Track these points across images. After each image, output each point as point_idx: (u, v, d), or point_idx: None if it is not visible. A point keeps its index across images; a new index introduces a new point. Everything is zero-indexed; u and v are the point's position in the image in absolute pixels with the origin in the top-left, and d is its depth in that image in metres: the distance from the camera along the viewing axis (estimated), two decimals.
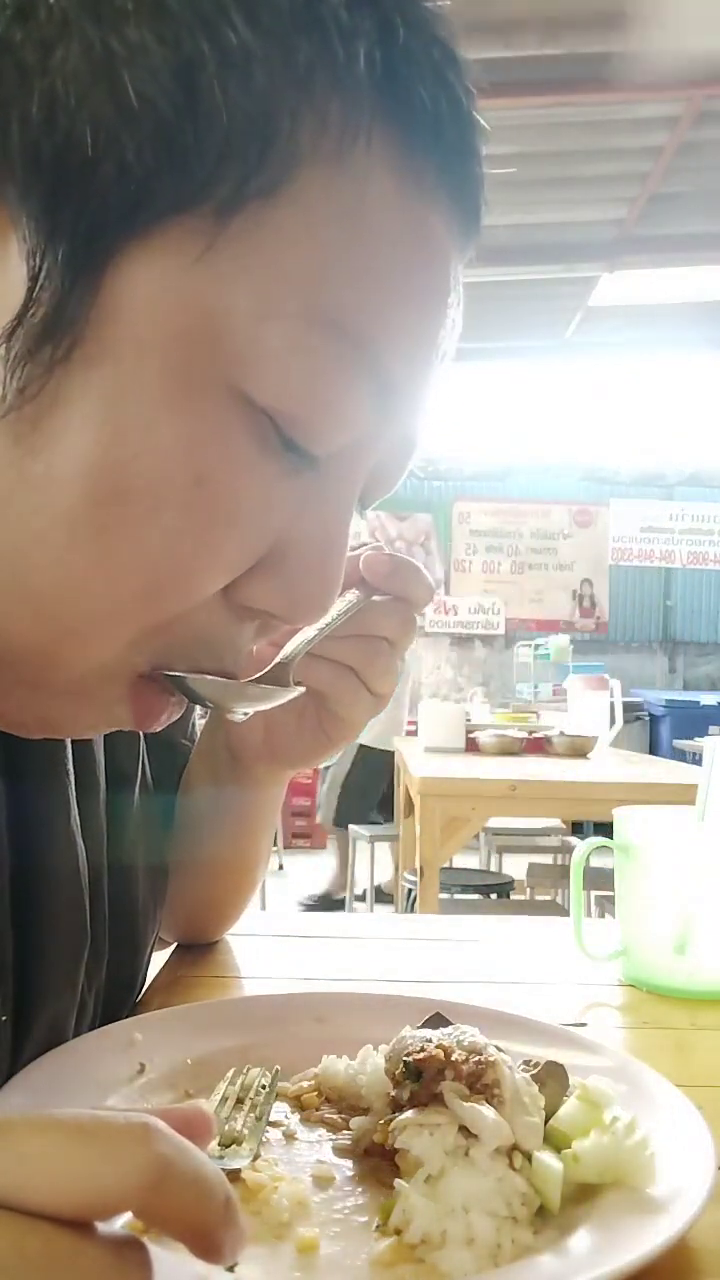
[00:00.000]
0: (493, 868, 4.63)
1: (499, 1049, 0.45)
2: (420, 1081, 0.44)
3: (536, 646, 6.33)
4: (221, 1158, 0.44)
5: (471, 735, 3.65)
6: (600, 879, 1.32)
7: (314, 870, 5.64)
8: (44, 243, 0.33)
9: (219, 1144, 0.45)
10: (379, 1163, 0.45)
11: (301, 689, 0.48)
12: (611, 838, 0.78)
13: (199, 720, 0.79)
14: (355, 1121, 0.47)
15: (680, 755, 5.55)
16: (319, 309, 0.35)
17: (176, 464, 0.35)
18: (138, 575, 0.36)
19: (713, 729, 6.14)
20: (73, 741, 0.56)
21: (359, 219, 0.36)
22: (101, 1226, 0.24)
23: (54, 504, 0.34)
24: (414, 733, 4.31)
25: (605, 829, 0.81)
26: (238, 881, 0.78)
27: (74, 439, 0.34)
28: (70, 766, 0.55)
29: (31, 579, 0.36)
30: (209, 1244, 0.25)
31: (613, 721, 3.86)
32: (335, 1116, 0.49)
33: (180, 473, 0.35)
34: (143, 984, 0.68)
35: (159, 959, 0.76)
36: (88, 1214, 0.23)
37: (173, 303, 0.34)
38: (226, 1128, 0.46)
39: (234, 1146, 0.45)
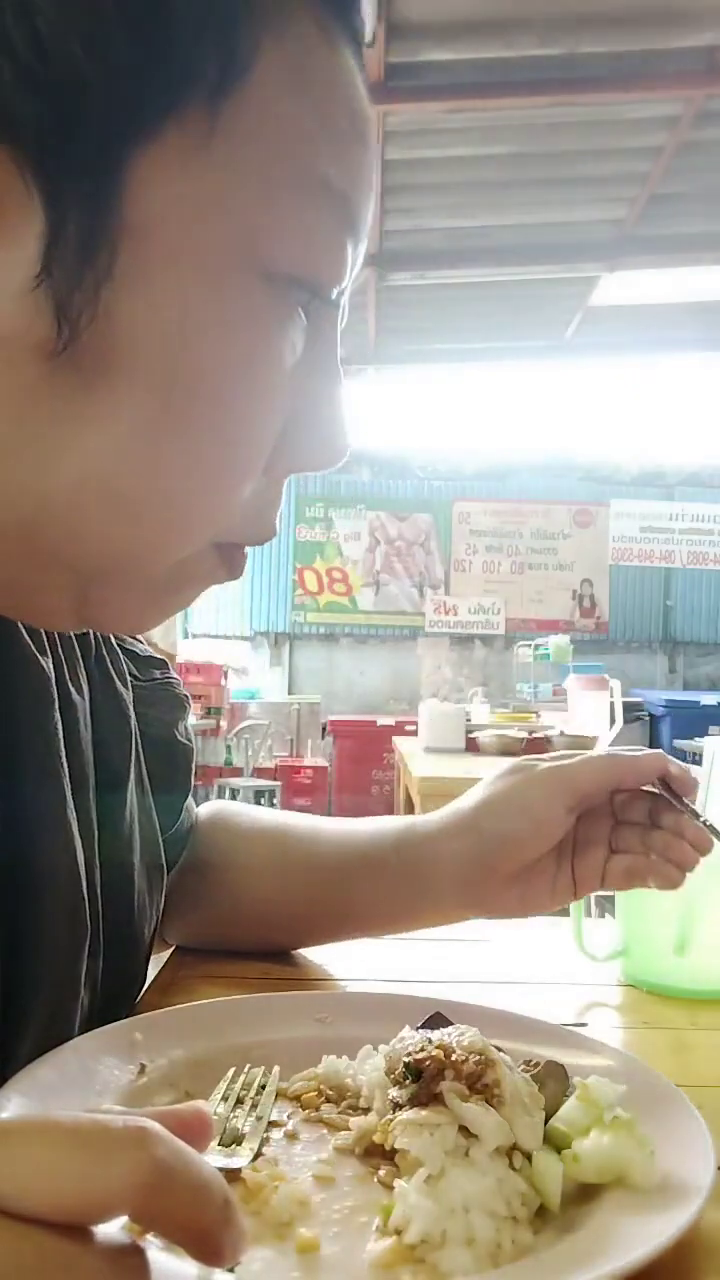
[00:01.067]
0: None
1: (499, 1049, 0.45)
2: (420, 1081, 0.44)
3: (536, 646, 6.33)
4: (222, 1158, 0.44)
5: (471, 735, 3.65)
6: None
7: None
8: (57, 175, 0.34)
9: (219, 1144, 0.45)
10: (379, 1163, 0.45)
11: None
12: None
13: (189, 725, 0.79)
14: (355, 1121, 0.47)
15: (680, 755, 5.52)
16: (310, 172, 0.38)
17: (228, 351, 0.38)
18: (218, 459, 0.39)
19: (713, 729, 6.13)
20: (65, 739, 0.56)
21: (313, 78, 0.38)
22: (99, 1231, 0.24)
23: (130, 418, 0.37)
24: (414, 733, 4.31)
25: None
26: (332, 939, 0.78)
27: (133, 351, 0.36)
28: (65, 763, 0.55)
29: (126, 492, 0.38)
30: (208, 1247, 0.24)
31: (613, 721, 3.86)
32: (335, 1116, 0.49)
33: (233, 358, 0.38)
34: (143, 983, 0.68)
35: (159, 959, 0.76)
36: (84, 1219, 0.23)
37: (189, 200, 0.36)
38: (227, 1128, 0.46)
39: (234, 1146, 0.45)
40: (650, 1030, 0.67)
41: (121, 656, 0.67)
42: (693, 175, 4.74)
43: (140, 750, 0.66)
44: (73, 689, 0.58)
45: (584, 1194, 0.41)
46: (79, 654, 0.60)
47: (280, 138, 0.37)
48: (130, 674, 0.68)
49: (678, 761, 0.65)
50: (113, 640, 0.67)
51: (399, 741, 4.31)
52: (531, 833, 0.64)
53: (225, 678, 7.16)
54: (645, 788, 0.66)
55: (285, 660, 8.76)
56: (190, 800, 0.80)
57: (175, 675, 0.75)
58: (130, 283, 0.35)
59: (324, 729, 7.81)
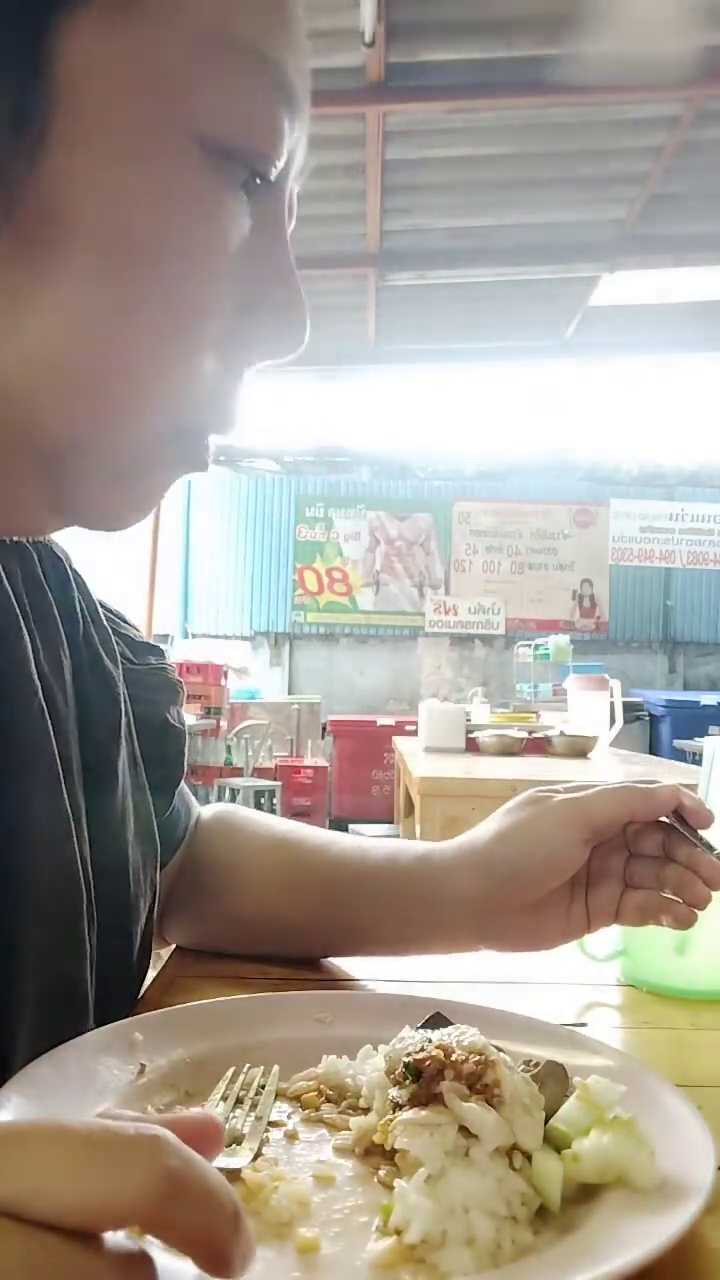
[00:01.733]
0: None
1: (499, 1049, 0.45)
2: (420, 1081, 0.44)
3: (536, 646, 6.33)
4: (222, 1158, 0.44)
5: (471, 735, 3.65)
6: None
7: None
8: None
9: None
10: (379, 1163, 0.44)
11: None
12: None
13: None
14: (355, 1121, 0.47)
15: (680, 755, 5.55)
16: (236, 37, 0.39)
17: (167, 219, 0.39)
18: (165, 332, 0.40)
19: (713, 729, 6.13)
20: (55, 733, 0.56)
21: None
22: (109, 1238, 0.24)
23: (74, 289, 0.38)
24: (414, 733, 4.31)
25: None
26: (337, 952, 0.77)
27: (73, 219, 0.37)
28: (55, 753, 0.55)
29: (76, 367, 0.39)
30: (218, 1258, 0.24)
31: (613, 721, 3.86)
32: (335, 1116, 0.49)
33: (172, 226, 0.39)
34: (146, 961, 0.68)
35: (159, 960, 0.76)
36: (95, 1225, 0.23)
37: (117, 65, 0.37)
38: (227, 1127, 0.46)
39: (234, 1146, 0.45)
40: (650, 1030, 0.67)
41: (113, 636, 0.67)
42: (693, 175, 4.74)
43: (132, 727, 0.66)
44: (50, 669, 0.58)
45: (584, 1194, 0.41)
46: (64, 634, 0.60)
47: (199, 2, 0.38)
48: (124, 656, 0.68)
49: (692, 794, 0.64)
50: (103, 620, 0.67)
51: (399, 741, 4.31)
52: (545, 867, 0.63)
53: (225, 678, 7.16)
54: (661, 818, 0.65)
55: (285, 660, 8.76)
56: (190, 795, 0.80)
57: (170, 663, 0.75)
58: (66, 149, 0.36)
59: (324, 729, 7.81)
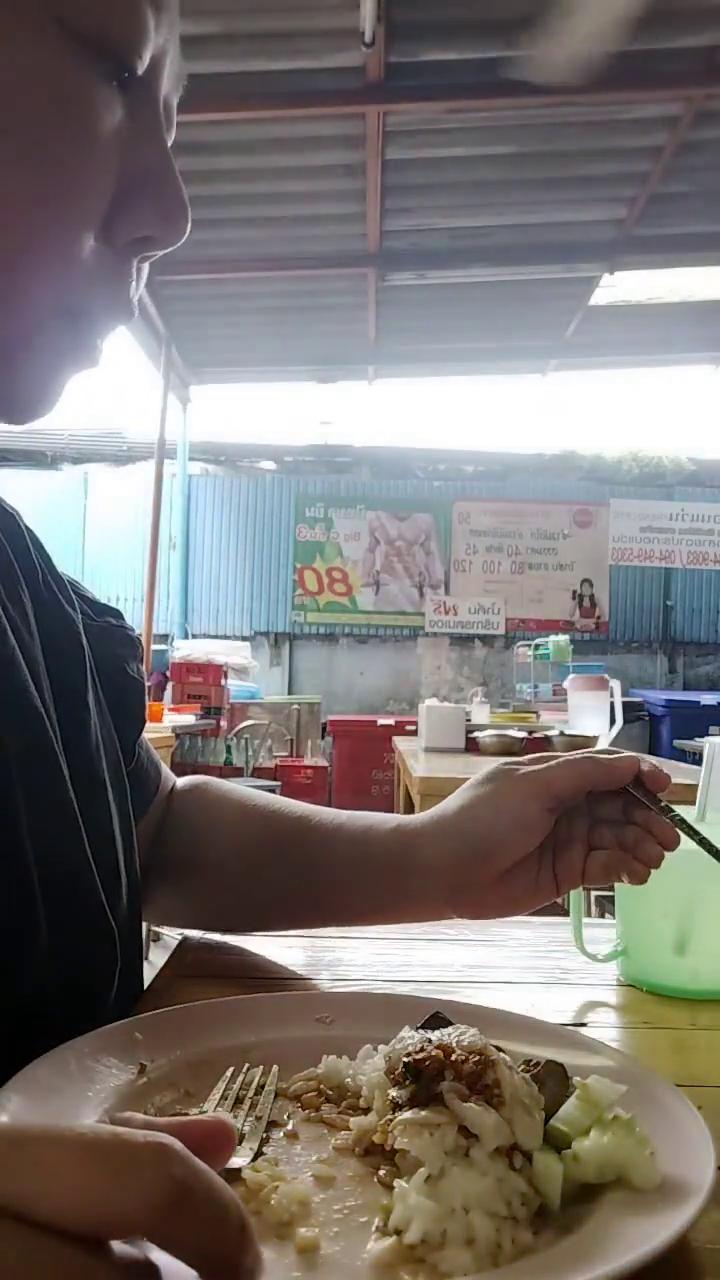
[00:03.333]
0: None
1: (499, 1049, 0.45)
2: (420, 1081, 0.44)
3: (536, 646, 6.33)
4: None
5: (471, 735, 3.65)
6: None
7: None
8: None
9: None
10: (379, 1163, 0.44)
11: None
12: None
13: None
14: (355, 1121, 0.47)
15: (680, 755, 5.55)
16: None
17: (32, 89, 0.42)
18: (39, 206, 0.43)
19: (713, 729, 6.13)
20: (26, 664, 0.56)
21: None
22: (114, 1244, 0.24)
23: None
24: (414, 733, 4.31)
25: None
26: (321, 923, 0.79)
27: None
28: (31, 688, 0.56)
29: None
30: (223, 1270, 0.24)
31: (613, 721, 3.86)
32: (335, 1116, 0.49)
33: (42, 101, 0.42)
34: (140, 974, 0.68)
35: (159, 959, 0.76)
36: (101, 1232, 0.23)
37: None
38: None
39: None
40: (650, 1030, 0.67)
41: (68, 585, 0.68)
42: (693, 175, 4.74)
43: (95, 671, 0.67)
44: (11, 607, 0.58)
45: (584, 1194, 0.41)
46: (22, 579, 0.61)
47: None
48: (83, 612, 0.69)
49: (650, 760, 0.66)
50: (59, 574, 0.68)
51: (399, 741, 4.31)
52: (511, 835, 0.65)
53: (225, 678, 7.16)
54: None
55: (285, 660, 8.76)
56: (157, 756, 0.81)
57: (129, 624, 0.76)
58: None
59: (324, 729, 7.80)
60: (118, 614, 0.75)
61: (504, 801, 0.66)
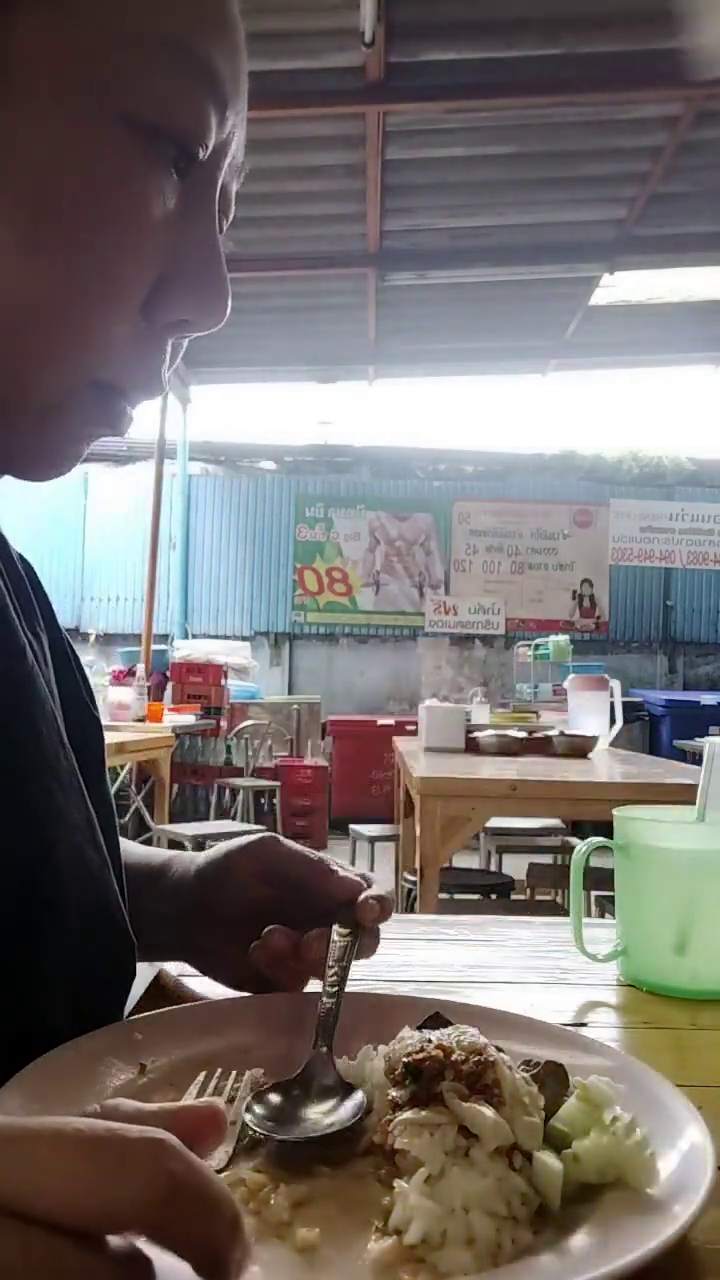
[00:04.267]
0: (493, 868, 4.63)
1: (499, 1049, 0.45)
2: (420, 1081, 0.44)
3: (536, 646, 6.33)
4: None
5: (471, 735, 3.64)
6: (600, 879, 1.32)
7: None
8: None
9: None
10: (379, 1163, 0.44)
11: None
12: (611, 838, 0.78)
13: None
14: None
15: (680, 755, 5.55)
16: (162, 30, 0.45)
17: (90, 184, 0.44)
18: (82, 284, 0.45)
19: (713, 729, 6.13)
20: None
21: None
22: (110, 1239, 0.24)
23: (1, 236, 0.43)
24: (414, 733, 4.31)
25: (605, 829, 0.81)
26: None
27: (6, 174, 0.43)
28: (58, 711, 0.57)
29: None
30: (215, 1264, 0.24)
31: (613, 721, 3.86)
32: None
33: (96, 191, 0.44)
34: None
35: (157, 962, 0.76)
36: (96, 1227, 0.23)
37: (45, 45, 0.43)
38: None
39: None
40: (650, 1030, 0.67)
41: (45, 595, 0.67)
42: (693, 175, 4.75)
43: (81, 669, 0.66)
44: (35, 644, 0.59)
45: (584, 1194, 0.41)
46: (40, 616, 0.62)
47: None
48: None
49: (378, 893, 0.62)
50: (18, 569, 0.66)
51: (399, 741, 4.31)
52: (227, 898, 0.64)
53: (225, 678, 7.16)
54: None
55: (285, 660, 8.76)
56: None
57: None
58: (8, 111, 0.42)
59: (324, 729, 7.81)
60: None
61: (230, 863, 0.65)
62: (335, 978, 0.56)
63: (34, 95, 0.43)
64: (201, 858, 0.69)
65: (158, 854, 0.73)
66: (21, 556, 0.65)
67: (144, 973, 0.70)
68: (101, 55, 0.44)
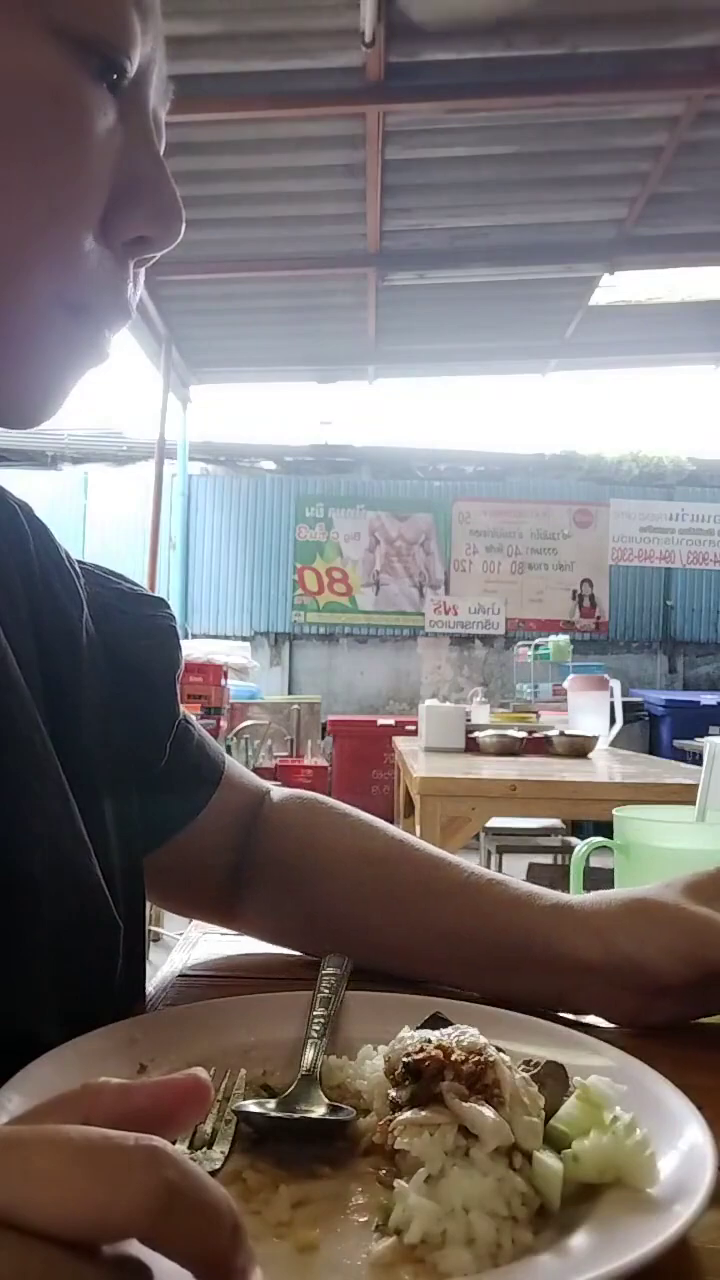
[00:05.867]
0: (493, 868, 4.63)
1: (499, 1049, 0.45)
2: (420, 1082, 0.44)
3: (536, 646, 6.33)
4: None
5: (471, 735, 3.64)
6: (600, 879, 1.32)
7: None
8: None
9: (189, 1147, 0.45)
10: (379, 1163, 0.44)
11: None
12: (611, 838, 0.78)
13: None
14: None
15: (680, 755, 5.55)
16: None
17: (26, 90, 0.44)
18: (35, 194, 0.44)
19: (713, 729, 6.13)
20: (21, 670, 0.56)
21: None
22: (105, 1248, 0.23)
23: None
24: (414, 732, 4.31)
25: (605, 829, 0.81)
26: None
27: None
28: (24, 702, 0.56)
29: None
30: (217, 1272, 0.24)
31: (613, 721, 3.86)
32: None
33: (32, 96, 0.44)
34: (142, 976, 0.68)
35: (159, 959, 0.76)
36: (93, 1237, 0.23)
37: None
38: (197, 1131, 0.46)
39: (204, 1150, 0.45)
40: (650, 1030, 0.67)
41: (80, 583, 0.66)
42: (693, 175, 4.74)
43: (94, 666, 0.65)
44: (6, 612, 0.58)
45: (584, 1194, 0.41)
46: (19, 579, 0.61)
47: None
48: (113, 606, 0.69)
49: None
50: (69, 569, 0.66)
51: (399, 741, 4.30)
52: (669, 973, 0.60)
53: (225, 678, 7.16)
54: None
55: (285, 660, 8.75)
56: (220, 753, 0.78)
57: (170, 613, 0.75)
58: None
59: (324, 729, 7.80)
60: (159, 603, 0.74)
61: (671, 935, 0.60)
62: (320, 1023, 0.56)
63: None
64: (608, 923, 0.62)
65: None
66: (9, 504, 0.64)
67: None
68: None
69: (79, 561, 0.70)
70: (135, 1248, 0.24)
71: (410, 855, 0.73)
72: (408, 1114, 0.43)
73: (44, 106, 0.44)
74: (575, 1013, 0.64)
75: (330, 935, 0.70)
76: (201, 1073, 0.27)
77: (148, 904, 0.69)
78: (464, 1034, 0.46)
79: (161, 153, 0.52)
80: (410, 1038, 0.46)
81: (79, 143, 0.46)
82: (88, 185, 0.47)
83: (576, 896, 0.66)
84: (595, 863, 0.87)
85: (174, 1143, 0.24)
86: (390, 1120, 0.44)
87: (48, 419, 0.51)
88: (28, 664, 0.58)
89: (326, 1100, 0.48)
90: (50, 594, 0.63)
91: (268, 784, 0.81)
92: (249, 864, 0.76)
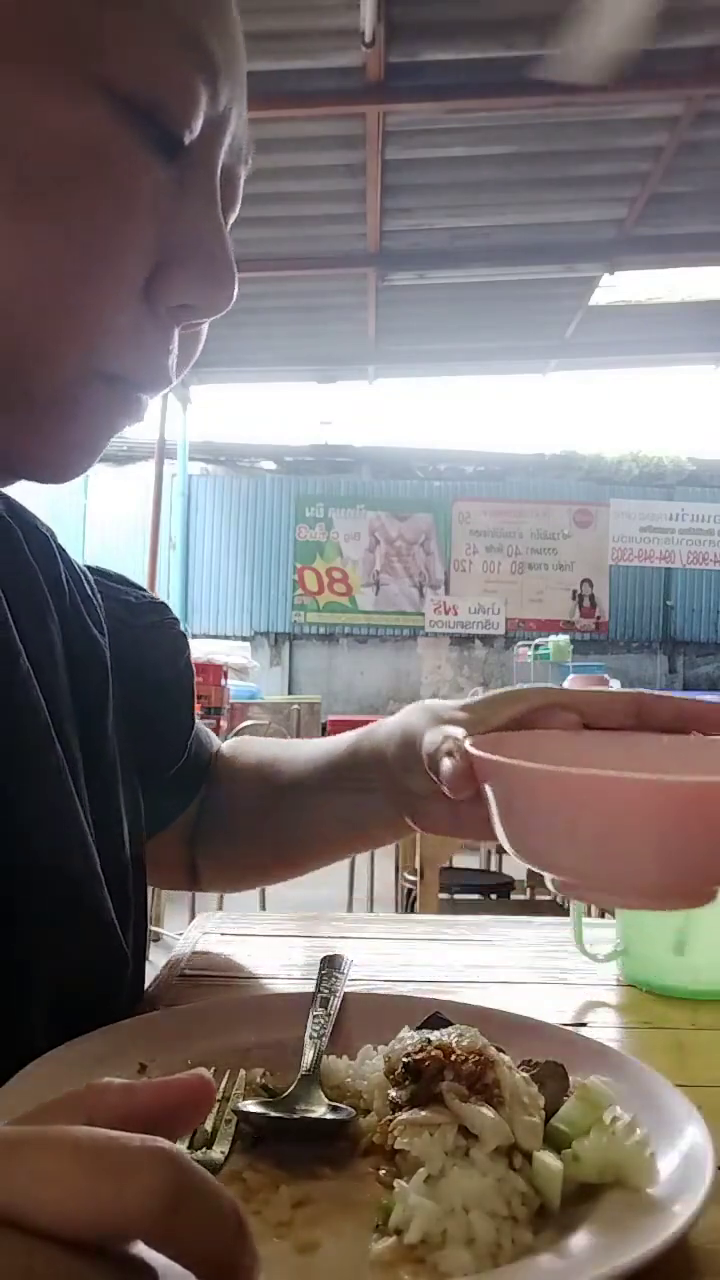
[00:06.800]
0: (493, 868, 4.63)
1: (499, 1049, 0.45)
2: (420, 1081, 0.44)
3: (536, 646, 6.33)
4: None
5: None
6: None
7: (317, 870, 5.63)
8: None
9: (189, 1147, 0.45)
10: (379, 1163, 0.44)
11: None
12: None
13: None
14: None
15: None
16: None
17: (71, 151, 0.41)
18: (72, 260, 0.42)
19: None
20: (46, 699, 0.56)
21: None
22: (110, 1249, 0.23)
23: None
24: None
25: None
26: (304, 868, 0.78)
27: None
28: (49, 723, 0.57)
29: None
30: (221, 1273, 0.24)
31: None
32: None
33: (77, 158, 0.41)
34: (142, 977, 0.68)
35: (159, 959, 0.76)
36: (96, 1237, 0.23)
37: (26, 10, 0.40)
38: (197, 1131, 0.46)
39: (204, 1150, 0.45)
40: (650, 1030, 0.67)
41: (99, 607, 0.68)
42: (693, 175, 4.74)
43: (119, 689, 0.66)
44: (36, 637, 0.59)
45: (584, 1194, 0.41)
46: (52, 606, 0.62)
47: None
48: (121, 621, 0.69)
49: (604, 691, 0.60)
50: (90, 592, 0.67)
51: None
52: (420, 789, 0.61)
53: (225, 678, 7.16)
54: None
55: (285, 660, 8.76)
56: (207, 734, 0.81)
57: (173, 616, 0.76)
58: None
59: (324, 729, 7.80)
60: (160, 607, 0.75)
61: (431, 709, 0.63)
62: (320, 1023, 0.56)
63: (8, 60, 0.40)
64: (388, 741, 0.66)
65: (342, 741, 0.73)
66: (41, 530, 0.65)
67: None
68: (82, 19, 0.41)
69: (88, 569, 0.71)
70: (140, 1249, 0.24)
71: (279, 756, 0.78)
72: (408, 1114, 0.43)
73: (84, 167, 0.42)
74: (403, 820, 0.66)
75: (245, 856, 0.78)
76: (205, 1072, 0.27)
77: (149, 904, 0.69)
78: (464, 1034, 0.46)
79: (230, 217, 0.50)
80: (410, 1038, 0.46)
81: (120, 207, 0.43)
82: (126, 250, 0.44)
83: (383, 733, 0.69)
84: None
85: (175, 1141, 0.24)
86: (390, 1120, 0.44)
87: (79, 476, 0.50)
88: (57, 685, 0.59)
89: (326, 1100, 0.48)
90: (79, 619, 0.64)
91: (217, 743, 0.84)
92: (200, 825, 0.79)
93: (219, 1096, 0.49)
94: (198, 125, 0.45)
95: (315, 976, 0.62)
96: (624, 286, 5.74)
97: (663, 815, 0.44)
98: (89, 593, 0.67)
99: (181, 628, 0.76)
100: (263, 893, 4.67)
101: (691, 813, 0.44)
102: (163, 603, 0.76)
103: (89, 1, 0.41)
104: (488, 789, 0.50)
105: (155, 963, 0.75)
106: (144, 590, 0.76)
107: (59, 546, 0.66)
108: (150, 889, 0.73)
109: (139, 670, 0.69)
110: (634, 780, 0.44)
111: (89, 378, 0.45)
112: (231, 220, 0.51)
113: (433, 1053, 0.44)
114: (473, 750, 0.50)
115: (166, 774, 0.73)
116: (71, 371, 0.44)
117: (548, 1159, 0.41)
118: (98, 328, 0.44)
